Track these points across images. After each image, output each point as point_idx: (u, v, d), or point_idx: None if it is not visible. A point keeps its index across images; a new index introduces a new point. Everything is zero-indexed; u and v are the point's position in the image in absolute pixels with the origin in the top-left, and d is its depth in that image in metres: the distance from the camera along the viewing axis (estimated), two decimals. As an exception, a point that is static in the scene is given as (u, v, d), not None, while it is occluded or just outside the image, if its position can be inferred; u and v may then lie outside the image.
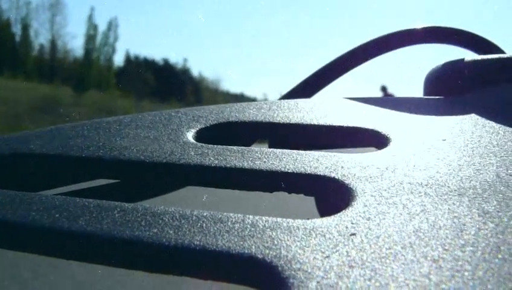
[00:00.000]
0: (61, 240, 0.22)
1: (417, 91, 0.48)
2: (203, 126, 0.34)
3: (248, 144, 0.36)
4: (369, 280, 0.17)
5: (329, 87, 0.56)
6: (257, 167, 0.27)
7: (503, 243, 0.19)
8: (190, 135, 0.32)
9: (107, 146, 0.31)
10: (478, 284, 0.16)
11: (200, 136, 0.33)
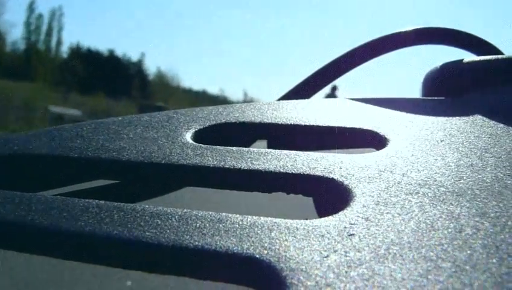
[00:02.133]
0: (61, 241, 0.22)
1: (412, 93, 0.48)
2: (202, 127, 0.34)
3: (247, 144, 0.36)
4: (368, 280, 0.17)
5: (329, 87, 0.56)
6: (255, 168, 0.27)
7: (501, 244, 0.19)
8: (188, 136, 0.32)
9: (105, 147, 0.31)
10: (476, 284, 0.16)
11: (199, 137, 0.33)
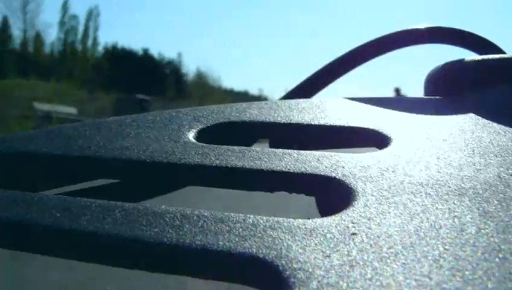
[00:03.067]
0: (62, 240, 0.22)
1: (416, 92, 0.48)
2: (204, 126, 0.34)
3: (249, 143, 0.36)
4: (370, 279, 0.17)
5: (329, 87, 0.56)
6: (258, 167, 0.27)
7: (504, 243, 0.19)
8: (191, 135, 0.32)
9: (108, 146, 0.31)
10: (479, 283, 0.16)
11: (201, 136, 0.33)
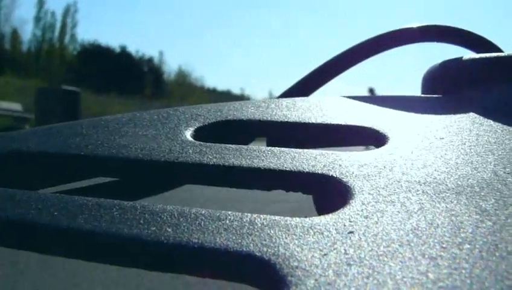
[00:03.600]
0: (60, 238, 0.22)
1: (412, 90, 0.48)
2: (202, 124, 0.34)
3: (246, 142, 0.36)
4: (367, 277, 0.17)
5: (326, 85, 0.56)
6: (255, 165, 0.27)
7: (501, 241, 0.19)
8: (188, 134, 0.32)
9: (105, 144, 0.31)
10: (476, 282, 0.16)
11: (199, 135, 0.33)
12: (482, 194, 0.23)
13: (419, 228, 0.20)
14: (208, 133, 0.34)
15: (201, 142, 0.31)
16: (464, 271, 0.17)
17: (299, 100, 0.40)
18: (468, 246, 0.18)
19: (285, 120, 0.35)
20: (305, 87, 0.55)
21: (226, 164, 0.27)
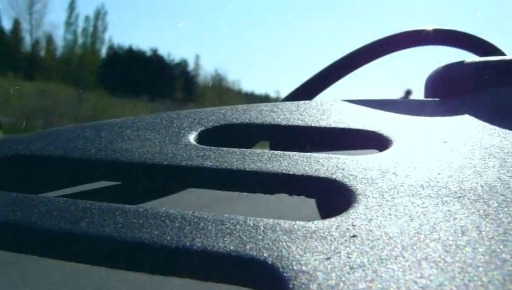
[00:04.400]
0: (63, 242, 0.22)
1: (415, 94, 0.48)
2: (205, 128, 0.34)
3: (249, 146, 0.36)
4: (370, 281, 0.17)
5: (330, 88, 0.56)
6: (258, 169, 0.27)
7: (504, 245, 0.19)
8: (192, 137, 0.32)
9: (108, 148, 0.31)
10: (479, 285, 0.16)
11: (202, 138, 0.33)
12: (485, 197, 0.23)
13: (422, 232, 0.20)
14: (211, 136, 0.34)
15: (205, 146, 0.31)
16: (466, 275, 0.17)
17: (302, 104, 0.40)
18: (471, 249, 0.18)
19: (288, 124, 0.35)
20: (308, 90, 0.55)
21: (230, 167, 0.27)
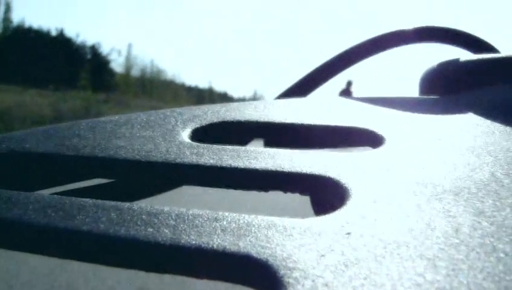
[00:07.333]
0: (58, 240, 0.22)
1: (411, 91, 0.49)
2: (199, 126, 0.34)
3: (243, 143, 0.36)
4: (365, 278, 0.17)
5: (324, 86, 0.57)
6: (252, 167, 0.27)
7: (499, 243, 0.19)
8: (186, 135, 0.32)
9: (102, 145, 0.30)
10: (473, 283, 0.16)
11: (196, 136, 0.33)
12: (480, 195, 0.23)
13: (417, 229, 0.20)
14: (205, 134, 0.34)
15: (199, 143, 0.31)
16: (461, 272, 0.17)
17: (296, 101, 0.40)
18: (466, 247, 0.19)
19: (283, 121, 0.35)
20: (302, 87, 0.55)
21: (223, 165, 0.27)
